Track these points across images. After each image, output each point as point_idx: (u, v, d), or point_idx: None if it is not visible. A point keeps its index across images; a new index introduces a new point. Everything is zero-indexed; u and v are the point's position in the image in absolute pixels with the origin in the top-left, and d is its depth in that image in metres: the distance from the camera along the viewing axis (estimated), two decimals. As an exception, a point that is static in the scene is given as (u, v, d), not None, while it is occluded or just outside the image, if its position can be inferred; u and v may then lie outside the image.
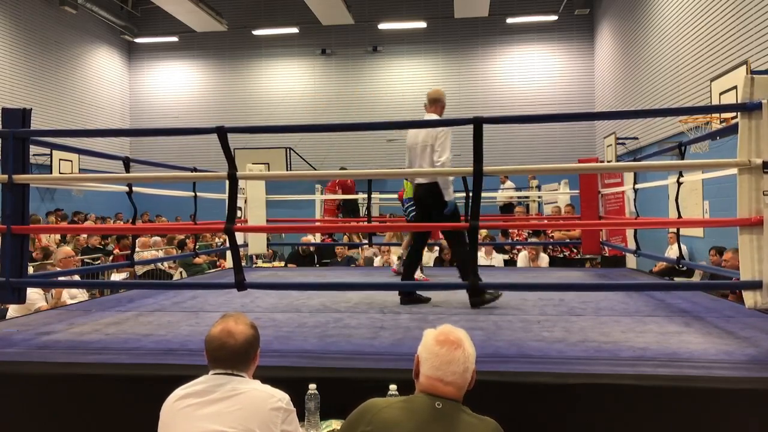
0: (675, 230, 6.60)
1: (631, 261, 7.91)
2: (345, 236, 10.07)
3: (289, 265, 8.57)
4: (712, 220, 7.18)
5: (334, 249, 9.14)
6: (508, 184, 12.44)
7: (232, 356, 1.94)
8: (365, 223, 8.23)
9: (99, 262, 8.31)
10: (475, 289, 3.52)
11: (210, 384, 1.91)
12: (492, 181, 12.22)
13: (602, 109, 14.01)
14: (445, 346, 1.77)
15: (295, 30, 15.86)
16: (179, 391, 1.92)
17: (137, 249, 7.61)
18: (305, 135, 14.87)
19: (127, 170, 5.20)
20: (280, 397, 1.91)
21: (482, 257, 7.95)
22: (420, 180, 4.33)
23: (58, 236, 10.26)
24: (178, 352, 2.92)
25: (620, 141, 11.61)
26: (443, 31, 15.72)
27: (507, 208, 12.07)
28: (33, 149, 3.59)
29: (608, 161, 11.25)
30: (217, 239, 11.15)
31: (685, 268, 6.28)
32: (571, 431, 2.40)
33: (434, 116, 4.32)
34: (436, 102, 4.37)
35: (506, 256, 8.86)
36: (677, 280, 6.83)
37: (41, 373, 2.67)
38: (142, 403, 2.43)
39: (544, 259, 8.14)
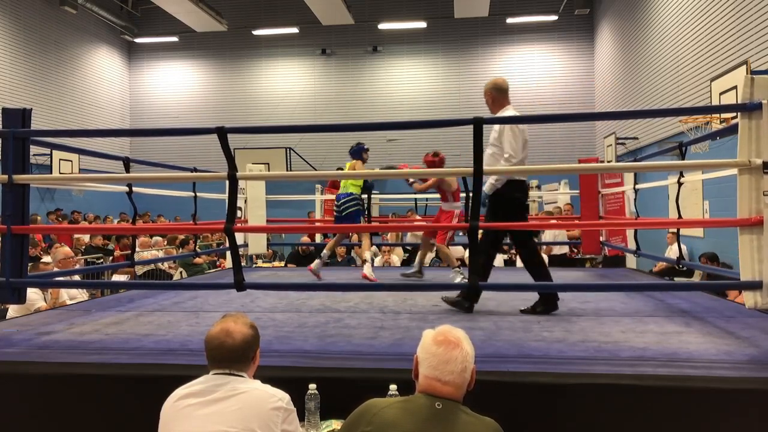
0: (675, 230, 6.60)
1: (631, 261, 7.90)
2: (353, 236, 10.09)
3: (289, 265, 8.57)
4: (712, 220, 7.18)
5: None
6: None
7: (230, 356, 1.94)
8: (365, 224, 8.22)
9: (101, 261, 8.31)
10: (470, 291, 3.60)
11: (210, 384, 1.91)
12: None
13: (602, 109, 14.02)
14: (443, 345, 1.77)
15: (295, 30, 15.86)
16: (179, 391, 1.92)
17: (137, 249, 7.61)
18: (305, 135, 14.88)
19: (127, 170, 5.20)
20: (281, 397, 1.91)
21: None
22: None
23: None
24: (178, 352, 2.92)
25: (620, 141, 11.60)
26: (443, 31, 15.72)
27: None
28: (33, 149, 3.59)
29: (608, 161, 11.25)
30: (217, 238, 11.15)
31: (685, 268, 6.28)
32: (570, 431, 2.40)
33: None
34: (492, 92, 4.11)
35: (505, 256, 8.86)
36: (677, 280, 6.83)
37: (41, 373, 2.67)
38: (142, 403, 2.43)
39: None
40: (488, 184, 3.86)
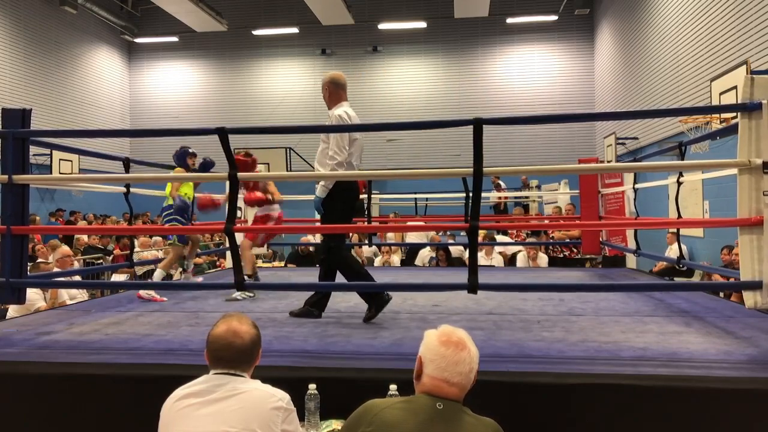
0: (674, 230, 6.59)
1: (631, 261, 7.91)
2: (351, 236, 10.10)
3: (289, 265, 8.57)
4: (712, 220, 7.18)
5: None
6: (503, 186, 12.45)
7: (237, 356, 1.93)
8: (365, 224, 8.22)
9: (101, 261, 8.31)
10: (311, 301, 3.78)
11: (210, 384, 1.90)
12: (486, 181, 12.19)
13: (602, 109, 14.02)
14: (451, 347, 1.76)
15: (295, 30, 15.87)
16: (179, 391, 1.92)
17: (137, 249, 7.61)
18: (305, 135, 14.79)
19: (127, 171, 5.20)
20: (281, 397, 1.91)
21: (482, 257, 7.94)
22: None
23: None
24: (178, 352, 2.92)
25: (620, 141, 11.61)
26: (443, 31, 15.72)
27: (499, 209, 12.09)
28: (33, 149, 3.59)
29: (608, 161, 11.25)
30: (216, 238, 11.14)
31: (685, 268, 6.28)
32: (571, 431, 2.40)
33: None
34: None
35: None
36: (677, 280, 6.83)
37: (41, 373, 2.67)
38: (142, 403, 2.43)
39: (543, 259, 8.14)
40: (320, 187, 3.78)
